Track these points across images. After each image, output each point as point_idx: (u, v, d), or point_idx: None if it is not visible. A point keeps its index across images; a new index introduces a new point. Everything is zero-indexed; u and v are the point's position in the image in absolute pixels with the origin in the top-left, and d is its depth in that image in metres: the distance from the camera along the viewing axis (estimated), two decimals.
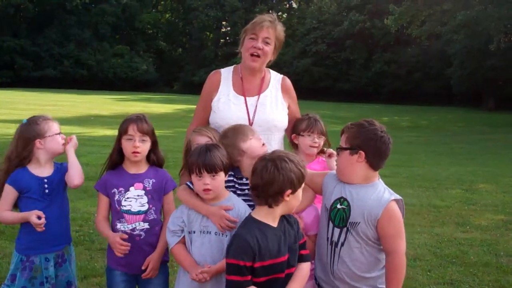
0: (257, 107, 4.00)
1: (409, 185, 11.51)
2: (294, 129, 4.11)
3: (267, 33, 3.91)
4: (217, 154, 3.17)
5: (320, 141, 4.02)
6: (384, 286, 3.22)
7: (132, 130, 3.49)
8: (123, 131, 3.54)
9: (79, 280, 5.23)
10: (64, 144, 3.80)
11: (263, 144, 3.60)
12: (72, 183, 3.74)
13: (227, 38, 76.62)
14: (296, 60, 62.19)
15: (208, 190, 3.16)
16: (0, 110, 25.42)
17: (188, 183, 3.41)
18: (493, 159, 17.72)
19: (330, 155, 3.94)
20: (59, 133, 3.79)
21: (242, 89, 4.06)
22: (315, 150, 4.03)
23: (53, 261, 3.73)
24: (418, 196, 10.32)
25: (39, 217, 3.55)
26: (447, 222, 8.39)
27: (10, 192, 3.67)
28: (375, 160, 3.24)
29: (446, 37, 44.48)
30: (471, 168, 15.05)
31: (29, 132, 3.71)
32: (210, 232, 3.22)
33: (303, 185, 3.00)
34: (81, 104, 34.16)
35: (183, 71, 73.48)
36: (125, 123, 3.55)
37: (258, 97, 4.04)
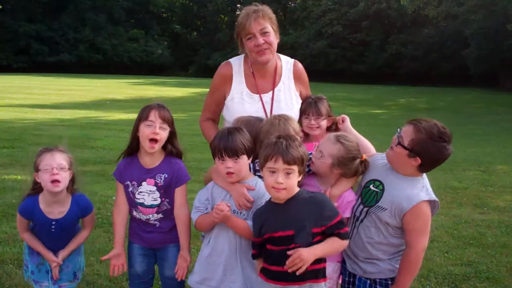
0: (272, 105, 3.97)
1: None
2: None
3: (259, 24, 3.79)
4: (238, 137, 3.18)
5: (319, 122, 3.99)
6: (395, 275, 3.28)
7: (153, 116, 3.46)
8: (143, 117, 3.49)
9: (98, 262, 5.28)
10: (55, 182, 3.49)
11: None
12: None
13: None
14: (311, 42, 61.65)
15: (231, 173, 3.19)
16: (17, 95, 25.60)
17: None
18: (511, 140, 17.57)
19: (343, 120, 3.96)
20: (50, 169, 3.50)
21: (255, 86, 4.00)
22: (315, 131, 3.99)
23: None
24: (435, 178, 10.16)
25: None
26: (465, 204, 8.37)
27: (21, 219, 3.70)
28: (427, 169, 3.27)
29: (463, 17, 43.97)
30: (488, 149, 14.96)
31: (35, 163, 3.61)
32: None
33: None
34: (96, 88, 34.28)
35: (198, 55, 73.40)
36: (146, 109, 3.51)
37: (273, 93, 4.00)
